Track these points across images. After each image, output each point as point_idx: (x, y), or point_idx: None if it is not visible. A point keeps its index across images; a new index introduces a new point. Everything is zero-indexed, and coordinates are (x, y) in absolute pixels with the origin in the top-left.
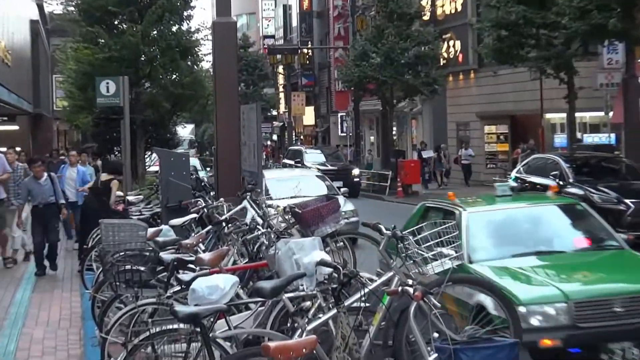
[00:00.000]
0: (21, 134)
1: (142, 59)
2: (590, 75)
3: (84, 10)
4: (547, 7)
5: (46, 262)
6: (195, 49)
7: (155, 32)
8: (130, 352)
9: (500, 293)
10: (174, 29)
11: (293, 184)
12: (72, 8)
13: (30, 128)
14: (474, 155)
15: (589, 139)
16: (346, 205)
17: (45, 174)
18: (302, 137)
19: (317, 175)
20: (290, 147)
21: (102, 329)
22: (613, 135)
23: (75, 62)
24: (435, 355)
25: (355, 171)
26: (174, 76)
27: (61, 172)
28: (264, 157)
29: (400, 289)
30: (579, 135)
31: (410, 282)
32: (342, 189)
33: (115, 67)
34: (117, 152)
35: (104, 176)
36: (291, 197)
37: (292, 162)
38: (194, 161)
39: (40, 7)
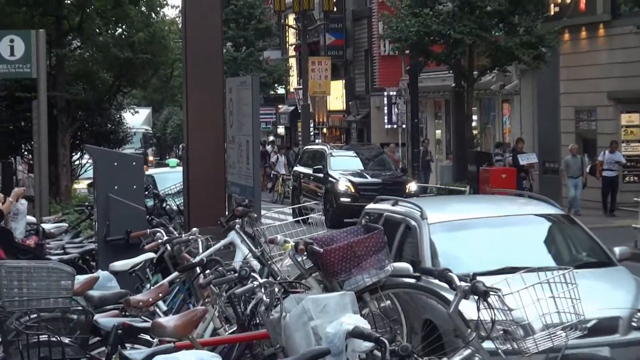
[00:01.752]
0: None
1: (68, 1)
2: None
3: None
4: None
5: None
6: None
7: None
8: None
9: None
10: None
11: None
12: None
13: None
14: (625, 163)
15: None
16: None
17: None
18: (324, 130)
19: (549, 216)
20: (307, 147)
21: None
22: None
23: None
24: None
25: (412, 186)
26: (119, 30)
27: None
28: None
29: None
30: None
31: None
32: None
33: (24, 15)
34: (25, 152)
35: None
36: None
37: (308, 171)
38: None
39: None
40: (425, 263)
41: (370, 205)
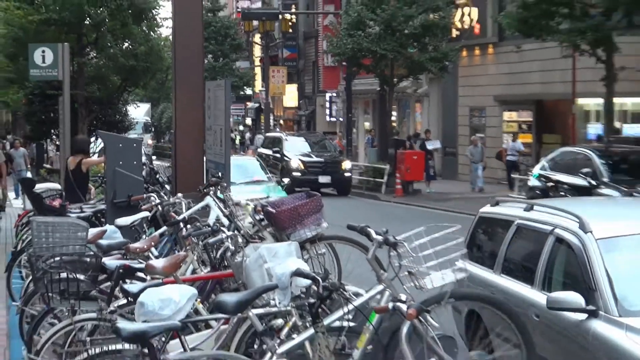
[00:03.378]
0: None
1: (87, 22)
2: (634, 53)
3: None
4: None
5: None
6: (152, 11)
7: None
8: None
9: (511, 312)
10: None
11: None
12: None
13: None
14: (523, 150)
15: (630, 130)
16: None
17: None
18: (281, 121)
19: None
20: (268, 134)
21: (31, 349)
22: None
23: (4, 25)
24: None
25: (346, 164)
26: (126, 44)
27: None
28: None
29: (391, 305)
30: (617, 125)
31: (403, 297)
32: None
33: (53, 33)
34: (54, 136)
35: (72, 160)
36: None
37: (269, 152)
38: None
39: None
40: (603, 293)
41: (488, 209)
